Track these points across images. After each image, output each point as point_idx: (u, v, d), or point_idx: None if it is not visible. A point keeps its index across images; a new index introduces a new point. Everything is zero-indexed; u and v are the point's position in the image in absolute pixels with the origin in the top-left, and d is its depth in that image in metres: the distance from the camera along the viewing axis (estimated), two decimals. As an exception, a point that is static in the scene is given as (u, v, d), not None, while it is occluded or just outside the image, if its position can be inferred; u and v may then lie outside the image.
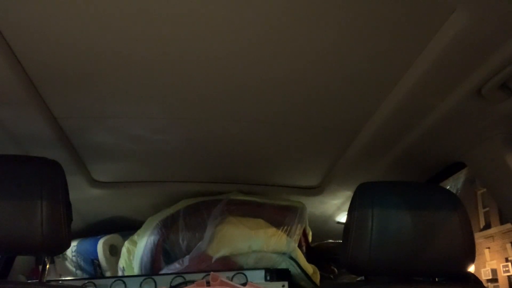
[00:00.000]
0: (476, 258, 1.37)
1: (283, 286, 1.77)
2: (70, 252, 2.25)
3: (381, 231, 1.32)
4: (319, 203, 2.18)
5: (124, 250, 2.10)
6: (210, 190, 1.99)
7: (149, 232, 1.98)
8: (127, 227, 2.23)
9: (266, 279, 1.77)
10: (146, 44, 1.07)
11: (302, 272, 1.90)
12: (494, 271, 12.01)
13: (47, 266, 1.37)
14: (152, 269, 1.92)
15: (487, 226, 12.43)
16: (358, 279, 1.63)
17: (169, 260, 1.92)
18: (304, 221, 2.00)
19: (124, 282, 1.75)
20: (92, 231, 2.28)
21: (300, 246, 1.96)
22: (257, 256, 1.82)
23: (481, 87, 1.18)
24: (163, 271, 1.88)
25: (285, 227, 1.90)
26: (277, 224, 1.90)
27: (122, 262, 2.09)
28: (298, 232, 1.92)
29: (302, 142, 1.64)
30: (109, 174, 1.93)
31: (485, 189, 9.12)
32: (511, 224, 1.58)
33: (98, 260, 2.22)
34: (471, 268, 1.39)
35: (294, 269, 1.87)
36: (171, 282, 1.71)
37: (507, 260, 11.86)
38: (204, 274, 1.69)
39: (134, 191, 2.02)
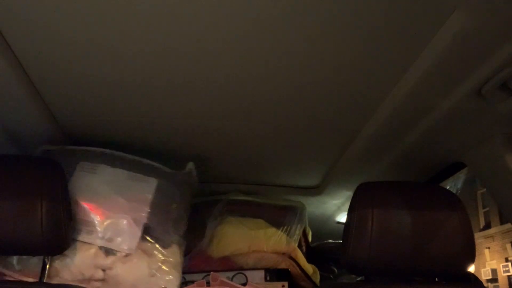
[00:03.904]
0: (476, 258, 1.37)
1: (283, 286, 1.77)
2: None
3: (381, 231, 1.32)
4: (319, 203, 2.18)
5: (124, 250, 2.10)
6: (210, 190, 1.99)
7: (149, 232, 1.98)
8: (127, 227, 2.22)
9: (266, 279, 1.77)
10: (146, 45, 1.07)
11: (302, 272, 1.90)
12: (494, 271, 12.02)
13: (47, 266, 1.37)
14: (152, 269, 1.91)
15: (487, 226, 12.44)
16: (358, 279, 1.63)
17: (169, 260, 1.91)
18: (304, 221, 2.01)
19: (124, 282, 1.75)
20: (92, 231, 2.28)
21: (300, 246, 1.96)
22: (257, 256, 1.82)
23: (481, 87, 1.18)
24: (163, 271, 1.87)
25: (285, 227, 1.90)
26: (277, 224, 1.90)
27: (122, 262, 2.09)
28: (298, 232, 1.92)
29: (302, 142, 1.64)
30: (109, 174, 1.93)
31: (485, 189, 9.12)
32: (511, 224, 1.58)
33: (98, 260, 2.21)
34: (471, 268, 1.39)
35: (294, 269, 1.87)
36: (171, 282, 1.71)
37: (507, 260, 11.87)
38: (204, 274, 1.69)
39: (134, 191, 2.02)
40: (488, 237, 12.28)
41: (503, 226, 11.49)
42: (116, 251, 1.41)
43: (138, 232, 1.45)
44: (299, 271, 1.89)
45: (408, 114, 1.36)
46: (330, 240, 2.42)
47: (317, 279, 1.98)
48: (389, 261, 1.33)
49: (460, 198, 1.42)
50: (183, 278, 1.71)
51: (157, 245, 1.47)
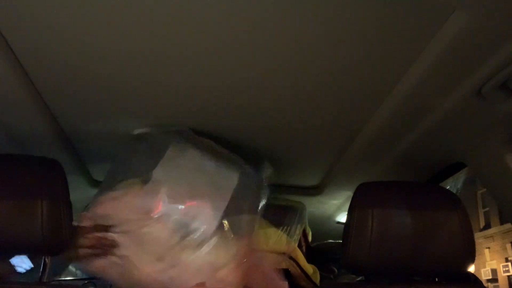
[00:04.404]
0: (476, 258, 1.37)
1: (283, 286, 1.76)
2: (70, 252, 2.25)
3: (381, 231, 1.32)
4: (319, 203, 2.18)
5: (124, 250, 2.09)
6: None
7: (149, 232, 1.97)
8: (127, 227, 2.22)
9: (266, 279, 1.76)
10: (147, 44, 1.07)
11: (302, 272, 1.90)
12: (494, 271, 12.03)
13: (47, 266, 1.37)
14: (152, 269, 1.91)
15: (487, 226, 12.45)
16: (358, 279, 1.63)
17: (169, 260, 1.91)
18: (304, 221, 2.00)
19: (124, 282, 1.75)
20: (92, 231, 2.28)
21: (300, 246, 1.96)
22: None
23: (481, 87, 1.18)
24: (163, 271, 1.87)
25: (285, 227, 1.90)
26: (277, 224, 1.90)
27: (122, 262, 2.09)
28: (298, 232, 1.92)
29: (302, 142, 1.64)
30: (109, 174, 1.93)
31: (485, 189, 9.13)
32: (511, 224, 1.58)
33: (98, 260, 2.21)
34: (471, 268, 1.39)
35: (294, 269, 1.87)
36: (171, 282, 1.70)
37: (507, 260, 11.88)
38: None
39: (134, 191, 2.01)
40: (488, 237, 12.29)
41: (503, 226, 11.50)
42: (189, 238, 1.38)
43: (216, 220, 1.42)
44: (299, 271, 1.89)
45: (408, 114, 1.36)
46: (330, 240, 2.42)
47: (317, 279, 1.98)
48: (389, 261, 1.33)
49: (460, 198, 1.42)
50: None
51: (232, 236, 1.43)
